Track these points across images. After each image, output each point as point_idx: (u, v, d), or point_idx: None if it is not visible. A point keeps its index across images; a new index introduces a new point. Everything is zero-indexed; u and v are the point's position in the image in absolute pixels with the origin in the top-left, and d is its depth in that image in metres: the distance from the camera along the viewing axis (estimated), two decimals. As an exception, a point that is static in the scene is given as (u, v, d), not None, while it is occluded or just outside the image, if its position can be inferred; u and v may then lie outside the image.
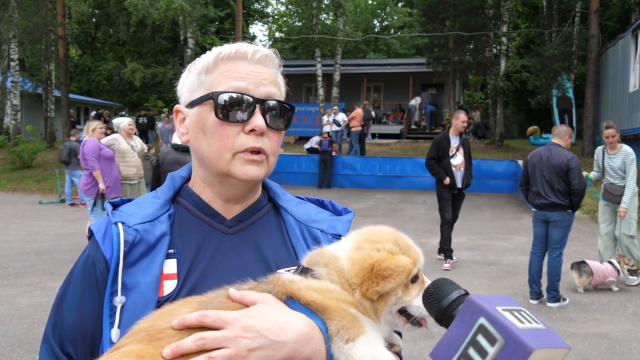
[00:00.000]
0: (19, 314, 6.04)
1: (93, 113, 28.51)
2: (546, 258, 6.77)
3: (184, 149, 6.21)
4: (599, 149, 7.75)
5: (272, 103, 1.18)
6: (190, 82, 1.22)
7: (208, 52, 1.22)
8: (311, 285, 1.00)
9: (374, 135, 25.85)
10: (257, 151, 1.16)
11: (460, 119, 8.18)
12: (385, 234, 1.07)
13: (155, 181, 6.45)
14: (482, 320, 0.80)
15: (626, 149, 7.39)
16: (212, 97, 1.15)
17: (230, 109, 1.14)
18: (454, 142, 8.27)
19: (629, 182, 7.23)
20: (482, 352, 0.78)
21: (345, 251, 1.05)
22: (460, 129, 8.23)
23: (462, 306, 0.84)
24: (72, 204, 15.18)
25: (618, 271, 7.18)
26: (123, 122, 9.00)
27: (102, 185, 8.23)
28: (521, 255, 9.13)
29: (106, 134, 9.05)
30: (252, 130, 1.15)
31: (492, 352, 0.77)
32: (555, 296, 6.63)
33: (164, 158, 6.38)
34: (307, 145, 20.35)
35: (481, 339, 0.79)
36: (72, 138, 15.06)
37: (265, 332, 0.92)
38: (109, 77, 29.54)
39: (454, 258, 8.62)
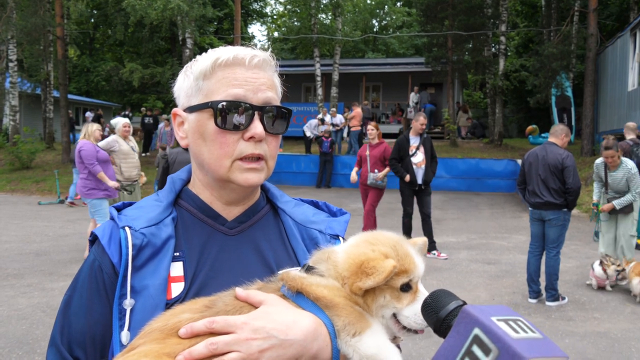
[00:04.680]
0: (18, 315, 6.04)
1: (88, 114, 28.37)
2: (544, 257, 6.78)
3: None
4: (599, 162, 7.52)
5: (270, 109, 1.19)
6: (188, 86, 1.22)
7: (205, 54, 1.22)
8: (320, 282, 1.04)
9: (373, 135, 25.82)
10: (256, 158, 1.18)
11: (419, 122, 8.85)
12: (385, 239, 1.10)
13: (164, 180, 6.41)
14: (476, 331, 0.81)
15: (626, 164, 7.20)
16: (211, 106, 1.16)
17: (230, 117, 1.15)
18: (414, 142, 8.93)
19: (633, 192, 7.10)
20: None
21: (345, 247, 1.11)
22: (419, 130, 8.90)
23: (458, 317, 0.86)
24: (72, 204, 15.17)
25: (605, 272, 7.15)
26: (119, 123, 8.90)
27: (111, 183, 8.14)
28: (520, 254, 9.14)
29: (103, 137, 9.02)
30: (251, 137, 1.16)
31: None
32: (554, 295, 6.64)
33: (174, 159, 6.33)
34: (309, 133, 20.54)
35: (476, 350, 0.80)
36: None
37: (274, 332, 0.94)
38: (108, 77, 29.48)
39: (440, 253, 9.10)
